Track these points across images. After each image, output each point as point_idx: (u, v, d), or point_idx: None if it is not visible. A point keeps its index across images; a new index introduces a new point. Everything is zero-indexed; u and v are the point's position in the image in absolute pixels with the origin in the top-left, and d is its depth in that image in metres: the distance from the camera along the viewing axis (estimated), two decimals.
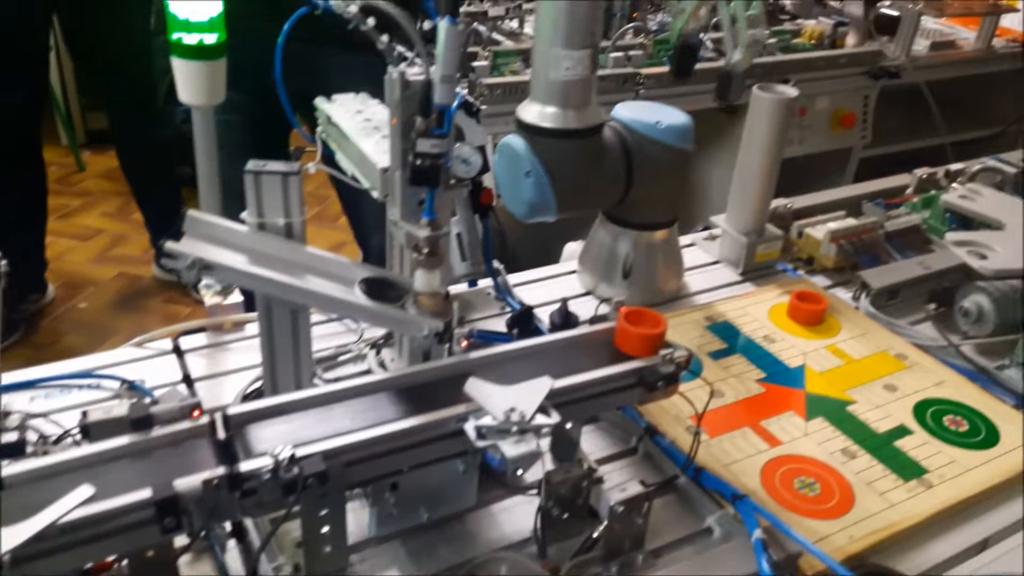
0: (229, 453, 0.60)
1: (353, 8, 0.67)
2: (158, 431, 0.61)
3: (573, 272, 1.24)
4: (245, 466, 0.59)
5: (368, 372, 0.93)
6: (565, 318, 1.06)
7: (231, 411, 0.63)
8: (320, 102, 0.89)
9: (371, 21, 0.69)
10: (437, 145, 0.65)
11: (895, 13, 2.50)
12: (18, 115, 2.26)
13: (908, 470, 0.88)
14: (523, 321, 1.05)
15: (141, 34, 2.35)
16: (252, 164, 0.69)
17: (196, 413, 0.61)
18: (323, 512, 0.64)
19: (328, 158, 0.85)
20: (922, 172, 1.51)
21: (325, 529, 0.65)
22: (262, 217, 0.71)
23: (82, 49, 2.50)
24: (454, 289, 1.12)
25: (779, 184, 1.41)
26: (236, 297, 0.98)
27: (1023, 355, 1.04)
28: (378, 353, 0.93)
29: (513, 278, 1.22)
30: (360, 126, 0.82)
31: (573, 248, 1.30)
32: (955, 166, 1.56)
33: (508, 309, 1.11)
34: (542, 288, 1.20)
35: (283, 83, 0.77)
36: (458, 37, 0.62)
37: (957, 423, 0.95)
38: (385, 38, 0.71)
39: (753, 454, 0.89)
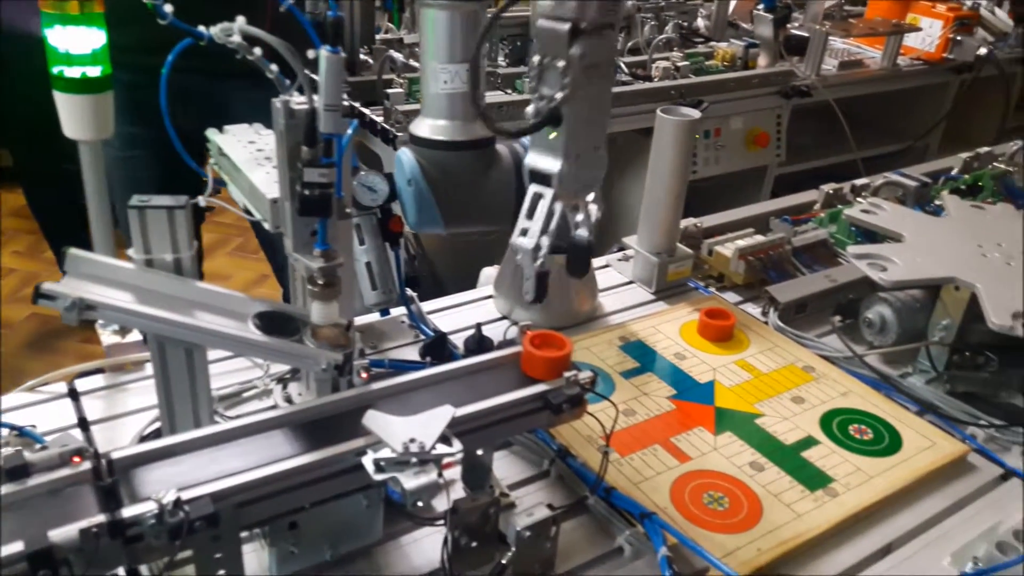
0: (113, 499, 0.58)
1: (236, 38, 0.66)
2: (37, 479, 0.59)
3: (491, 297, 1.24)
4: (128, 512, 0.57)
5: (275, 408, 0.91)
6: (479, 344, 1.06)
7: (115, 455, 0.61)
8: (211, 133, 0.88)
9: (257, 51, 0.68)
10: (325, 175, 0.65)
11: (804, 34, 2.59)
12: None
13: (814, 480, 0.89)
14: (437, 348, 1.05)
15: (41, 67, 2.28)
16: (136, 199, 0.67)
17: (76, 459, 0.59)
18: (217, 556, 0.62)
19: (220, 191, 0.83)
20: (829, 188, 1.56)
21: (221, 573, 0.63)
22: (149, 253, 0.69)
23: None
24: (366, 319, 1.11)
25: (697, 204, 1.44)
26: (135, 336, 0.95)
27: (928, 362, 1.08)
28: (285, 388, 0.92)
29: (429, 305, 1.22)
30: (251, 156, 0.81)
31: (489, 273, 1.30)
32: (860, 181, 1.61)
33: (423, 337, 1.10)
34: (458, 314, 1.20)
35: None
36: (339, 65, 0.62)
37: (862, 432, 0.97)
38: (275, 67, 0.70)
39: (663, 471, 0.89)
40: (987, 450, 0.97)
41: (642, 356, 1.10)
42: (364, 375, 0.72)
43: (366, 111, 1.82)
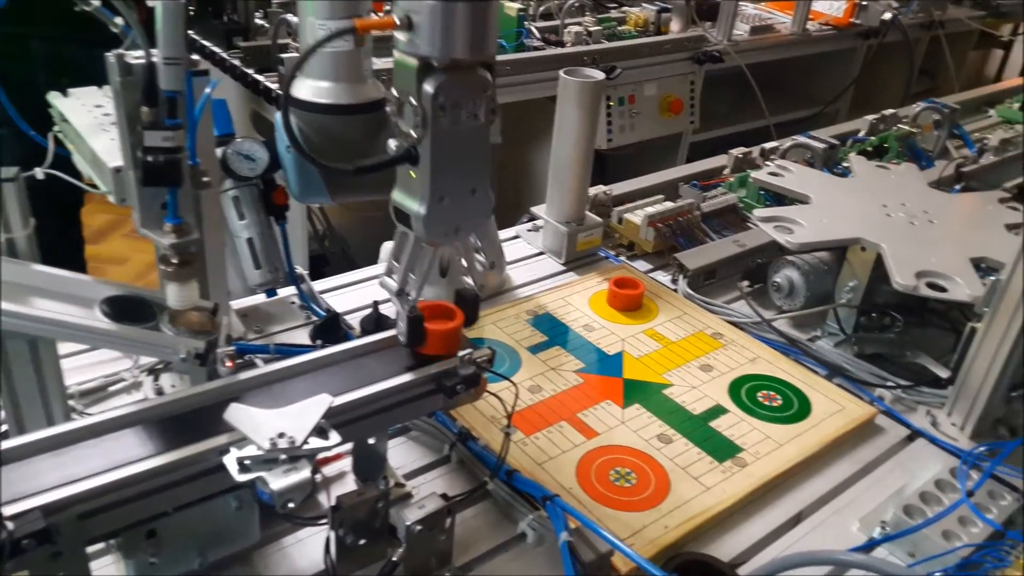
0: None
1: None
2: None
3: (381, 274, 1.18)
4: None
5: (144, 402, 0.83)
6: (377, 323, 0.99)
7: None
8: (53, 97, 0.78)
9: (95, 1, 0.60)
10: (170, 138, 0.57)
11: None
12: None
13: (723, 451, 0.86)
14: (328, 330, 0.98)
15: None
16: None
17: None
18: (59, 575, 0.55)
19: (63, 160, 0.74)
20: (737, 152, 1.54)
21: None
22: None
23: None
24: (250, 301, 1.03)
25: (614, 174, 1.39)
26: None
27: (836, 325, 1.06)
28: (156, 380, 0.84)
29: (325, 283, 1.15)
30: (95, 122, 0.72)
31: (391, 247, 1.23)
32: (769, 144, 1.60)
33: (315, 318, 1.03)
34: (356, 292, 1.13)
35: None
36: (177, 14, 0.54)
37: (771, 398, 0.95)
38: (120, 21, 0.62)
39: (569, 449, 0.85)
40: (894, 411, 0.96)
41: (551, 329, 1.06)
42: (229, 364, 0.65)
43: (260, 77, 1.72)
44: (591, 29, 2.27)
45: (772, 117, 2.64)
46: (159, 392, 0.82)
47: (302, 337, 1.00)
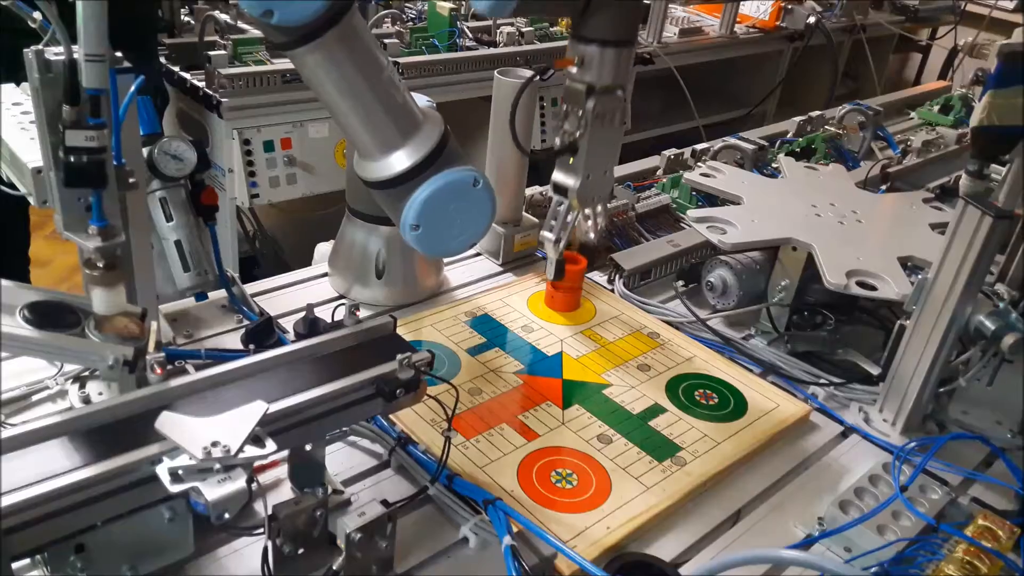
0: None
1: None
2: None
3: (325, 275, 1.16)
4: None
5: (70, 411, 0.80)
6: (312, 327, 0.97)
7: None
8: None
9: None
10: (93, 137, 0.55)
11: (646, 1, 2.60)
12: None
13: (662, 450, 0.87)
14: (262, 334, 0.96)
15: None
16: None
17: None
18: None
19: None
20: (670, 153, 1.56)
21: None
22: None
23: None
24: (179, 304, 1.00)
25: (548, 174, 1.39)
26: None
27: (769, 323, 1.09)
28: (82, 388, 0.80)
29: (258, 286, 1.12)
30: (13, 120, 0.69)
31: (324, 249, 1.21)
32: (700, 145, 1.62)
33: (247, 322, 1.00)
34: (289, 295, 1.11)
35: None
36: (99, 8, 0.52)
37: (708, 397, 0.96)
38: (38, 15, 0.59)
39: (510, 451, 0.85)
40: (828, 408, 0.98)
41: (490, 331, 1.05)
42: (159, 370, 0.62)
43: (187, 75, 1.67)
44: (523, 30, 2.27)
45: (701, 118, 2.68)
46: (86, 400, 0.79)
47: (234, 342, 0.97)
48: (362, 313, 0.84)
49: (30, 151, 0.65)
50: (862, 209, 1.20)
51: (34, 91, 0.58)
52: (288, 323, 1.01)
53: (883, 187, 1.57)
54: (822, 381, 1.01)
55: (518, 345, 1.03)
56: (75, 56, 0.53)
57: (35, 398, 0.81)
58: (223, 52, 1.64)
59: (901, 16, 3.38)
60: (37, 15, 0.59)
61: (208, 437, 0.57)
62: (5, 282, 0.62)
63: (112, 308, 0.63)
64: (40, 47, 0.56)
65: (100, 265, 0.60)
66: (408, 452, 0.83)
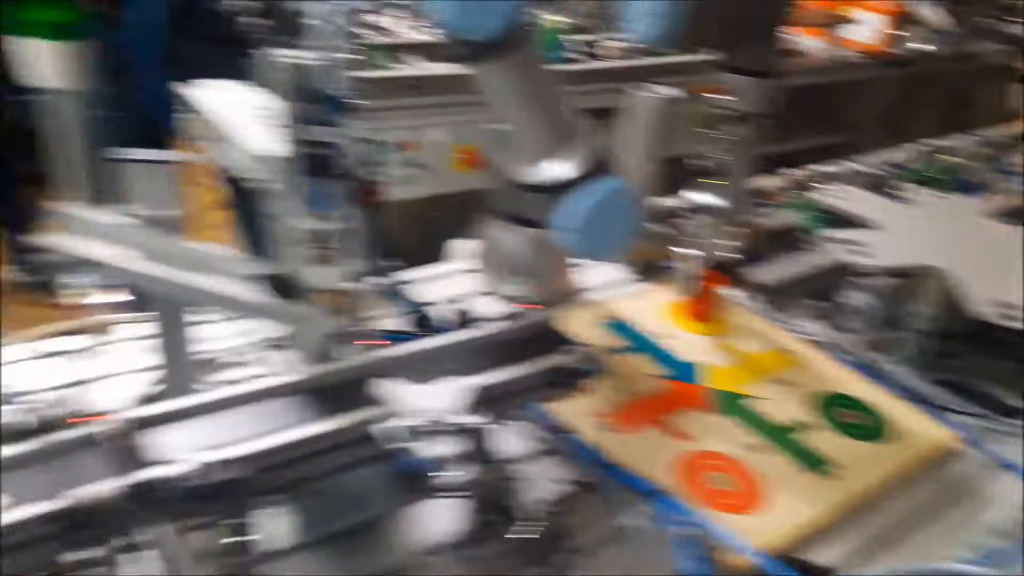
0: (133, 460, 0.53)
1: None
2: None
3: (460, 270, 1.21)
4: (159, 472, 0.52)
5: (261, 376, 0.85)
6: (463, 317, 1.02)
7: (134, 415, 0.56)
8: (190, 91, 0.81)
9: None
10: (330, 133, 0.61)
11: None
12: None
13: (812, 463, 0.89)
14: (427, 320, 1.01)
15: None
16: (121, 153, 0.61)
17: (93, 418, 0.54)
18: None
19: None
20: (793, 173, 1.57)
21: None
22: (136, 209, 0.63)
23: None
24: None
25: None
26: (106, 297, 0.88)
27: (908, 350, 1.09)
28: (277, 353, 0.86)
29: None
30: (240, 114, 0.75)
31: (461, 246, 1.26)
32: (825, 168, 1.63)
33: (396, 309, 1.05)
34: (427, 287, 1.16)
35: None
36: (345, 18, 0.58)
37: (852, 416, 0.97)
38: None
39: (663, 450, 0.87)
40: (976, 438, 0.97)
41: (628, 335, 1.08)
42: (375, 343, 0.68)
43: None
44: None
45: (798, 141, 2.66)
46: (277, 366, 0.84)
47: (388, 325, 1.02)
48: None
49: (265, 143, 0.70)
50: (998, 241, 1.19)
51: (283, 92, 0.62)
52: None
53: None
54: (967, 411, 1.01)
55: (657, 351, 1.05)
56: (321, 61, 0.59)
57: (231, 361, 0.87)
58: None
59: (1015, 46, 3.30)
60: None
61: (427, 403, 0.61)
62: (230, 252, 0.68)
63: (326, 284, 0.68)
64: (288, 52, 0.61)
65: (323, 245, 0.66)
66: (568, 441, 0.86)
